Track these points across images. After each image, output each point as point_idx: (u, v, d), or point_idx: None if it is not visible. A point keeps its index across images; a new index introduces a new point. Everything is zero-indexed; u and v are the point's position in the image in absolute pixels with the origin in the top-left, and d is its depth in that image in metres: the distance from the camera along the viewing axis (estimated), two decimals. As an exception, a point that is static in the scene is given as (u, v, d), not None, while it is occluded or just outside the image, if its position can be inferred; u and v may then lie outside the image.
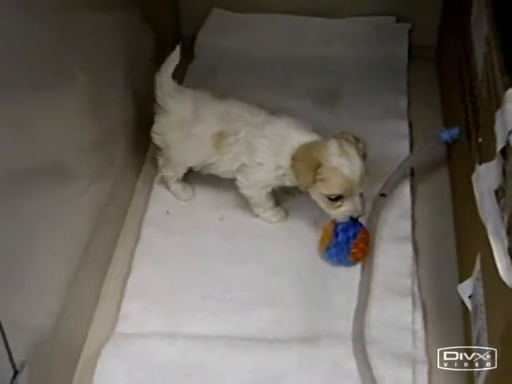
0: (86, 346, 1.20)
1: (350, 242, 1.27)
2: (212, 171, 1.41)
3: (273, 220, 1.41)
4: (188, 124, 1.38)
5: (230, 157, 1.36)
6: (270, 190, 1.36)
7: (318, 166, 1.23)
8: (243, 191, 1.38)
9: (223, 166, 1.39)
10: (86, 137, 1.23)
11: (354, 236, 1.27)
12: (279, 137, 1.31)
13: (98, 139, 1.29)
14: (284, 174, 1.32)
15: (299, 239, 1.35)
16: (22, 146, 0.96)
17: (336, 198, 1.25)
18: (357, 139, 1.29)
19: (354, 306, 1.22)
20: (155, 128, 1.43)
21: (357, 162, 1.24)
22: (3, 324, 0.89)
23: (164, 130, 1.41)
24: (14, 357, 0.93)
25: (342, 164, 1.23)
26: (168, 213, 1.43)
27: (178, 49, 1.39)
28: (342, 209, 1.26)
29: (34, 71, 0.99)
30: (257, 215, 1.41)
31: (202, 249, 1.35)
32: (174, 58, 1.39)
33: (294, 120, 1.33)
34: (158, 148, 1.45)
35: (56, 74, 1.08)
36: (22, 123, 0.96)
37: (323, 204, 1.27)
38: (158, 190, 1.48)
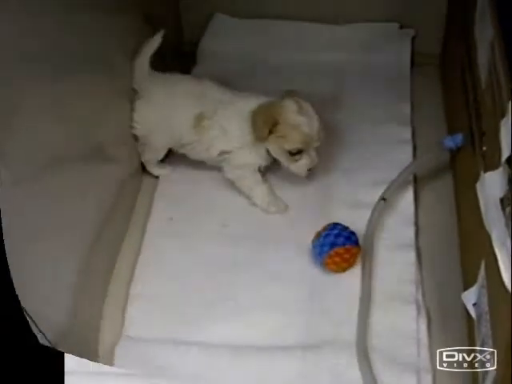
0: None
1: (323, 251, 1.27)
2: (187, 152, 1.45)
3: (271, 209, 1.42)
4: (166, 106, 1.41)
5: (207, 139, 1.41)
6: (256, 168, 1.41)
7: (275, 122, 1.34)
8: (229, 175, 1.43)
9: (199, 148, 1.43)
10: (89, 140, 1.23)
11: (331, 245, 1.26)
12: (244, 111, 1.37)
13: (100, 142, 1.29)
14: (267, 151, 1.39)
15: (302, 246, 1.34)
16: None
17: (296, 153, 1.36)
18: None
19: (356, 313, 1.22)
20: (135, 116, 1.43)
21: (314, 118, 1.36)
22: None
23: (143, 117, 1.43)
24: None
25: (302, 121, 1.34)
26: (171, 219, 1.43)
27: (159, 34, 1.41)
28: (301, 162, 1.38)
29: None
30: (254, 204, 1.43)
31: (205, 255, 1.35)
32: (155, 41, 1.41)
33: (252, 92, 1.42)
34: (136, 139, 1.47)
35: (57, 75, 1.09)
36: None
37: (283, 158, 1.39)
38: (161, 195, 1.48)
